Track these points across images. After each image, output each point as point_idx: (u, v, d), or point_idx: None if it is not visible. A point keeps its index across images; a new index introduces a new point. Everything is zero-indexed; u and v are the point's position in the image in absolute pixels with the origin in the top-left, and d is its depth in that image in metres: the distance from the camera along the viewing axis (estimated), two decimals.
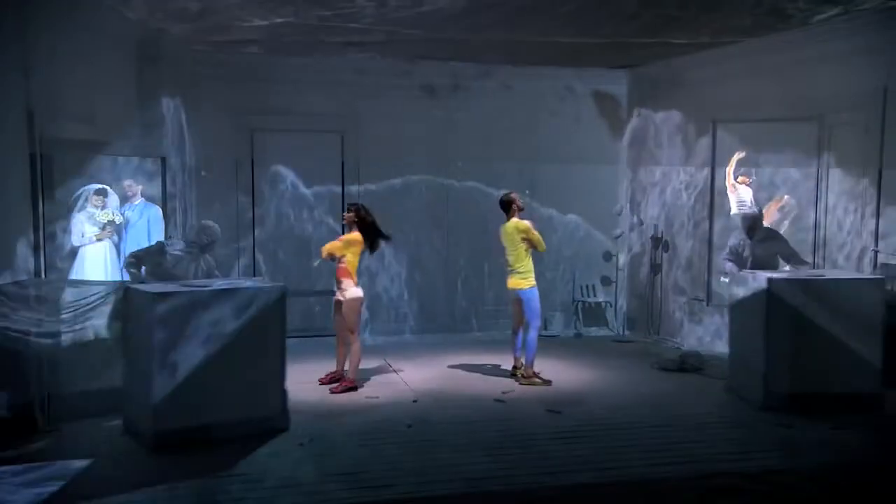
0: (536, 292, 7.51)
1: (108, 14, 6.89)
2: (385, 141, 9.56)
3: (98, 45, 7.00)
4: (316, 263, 7.99)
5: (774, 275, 6.96)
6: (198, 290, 5.74)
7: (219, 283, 6.12)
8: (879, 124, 7.28)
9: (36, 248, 6.10)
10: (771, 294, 6.61)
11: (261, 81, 9.15)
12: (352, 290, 7.13)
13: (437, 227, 9.94)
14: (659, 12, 7.20)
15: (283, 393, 5.99)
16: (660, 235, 9.81)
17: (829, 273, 7.21)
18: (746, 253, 7.80)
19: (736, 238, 8.05)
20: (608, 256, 10.30)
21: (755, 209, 8.41)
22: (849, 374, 6.55)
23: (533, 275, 7.50)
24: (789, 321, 6.54)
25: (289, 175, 9.51)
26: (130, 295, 5.85)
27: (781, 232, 8.42)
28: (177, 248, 6.94)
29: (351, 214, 7.29)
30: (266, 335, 5.87)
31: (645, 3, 6.94)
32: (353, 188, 9.53)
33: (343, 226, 7.69)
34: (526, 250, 7.46)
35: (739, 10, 7.09)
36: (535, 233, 7.48)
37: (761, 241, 7.82)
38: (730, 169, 8.61)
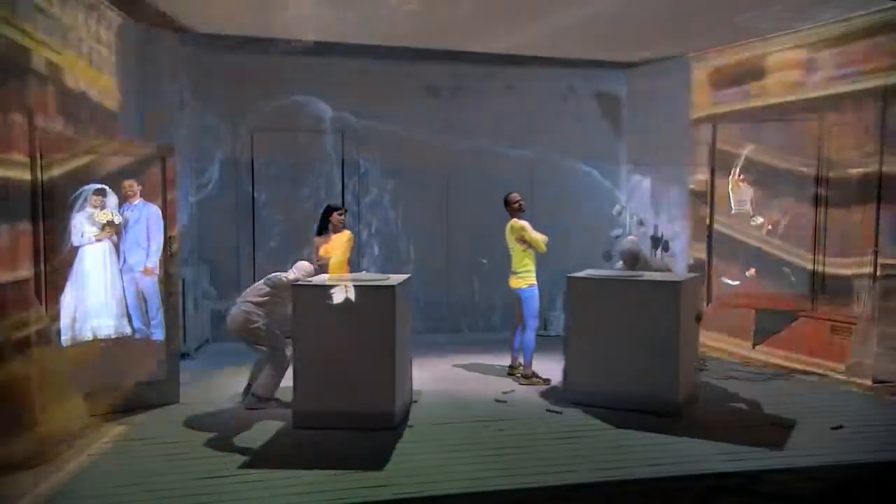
0: (535, 292, 7.49)
1: (109, 14, 6.88)
2: (388, 142, 9.56)
3: (98, 45, 6.99)
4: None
5: (579, 273, 6.93)
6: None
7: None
8: (879, 124, 7.28)
9: (36, 249, 6.10)
10: (570, 293, 6.62)
11: (261, 81, 9.16)
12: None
13: (440, 228, 9.94)
14: (637, 32, 7.31)
15: None
16: (659, 235, 9.81)
17: (650, 275, 6.89)
18: None
19: (619, 268, 7.75)
20: (608, 256, 10.29)
21: (747, 206, 8.38)
22: (642, 380, 6.26)
23: (533, 275, 7.48)
24: (587, 322, 6.50)
25: (289, 175, 9.51)
26: None
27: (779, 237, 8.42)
28: None
29: (342, 217, 7.28)
30: None
31: (618, 28, 7.04)
32: (353, 191, 9.53)
33: (321, 228, 7.45)
34: (524, 250, 7.45)
35: (705, 29, 7.19)
36: (532, 233, 7.42)
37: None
38: (736, 167, 8.57)
